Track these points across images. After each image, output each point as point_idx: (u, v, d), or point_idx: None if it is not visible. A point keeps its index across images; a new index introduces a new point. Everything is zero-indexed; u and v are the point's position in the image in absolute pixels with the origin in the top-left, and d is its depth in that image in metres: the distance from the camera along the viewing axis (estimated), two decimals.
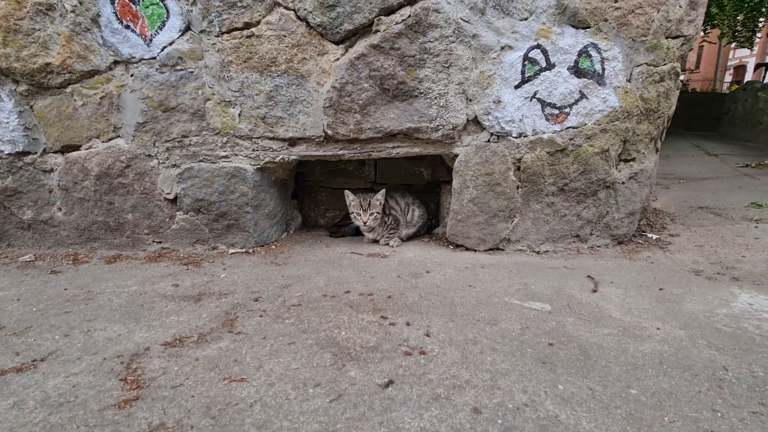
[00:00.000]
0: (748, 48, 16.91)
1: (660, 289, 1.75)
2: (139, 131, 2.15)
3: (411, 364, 1.21)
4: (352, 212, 2.36)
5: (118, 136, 2.17)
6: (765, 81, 10.01)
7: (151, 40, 2.02)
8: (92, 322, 1.49)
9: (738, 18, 14.25)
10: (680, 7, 1.89)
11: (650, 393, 1.09)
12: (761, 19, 14.68)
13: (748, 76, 18.51)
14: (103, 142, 2.18)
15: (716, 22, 13.50)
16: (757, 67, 13.30)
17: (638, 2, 1.86)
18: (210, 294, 1.74)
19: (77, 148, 2.20)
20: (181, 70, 2.06)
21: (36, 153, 2.21)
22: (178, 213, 2.25)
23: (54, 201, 2.27)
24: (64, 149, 2.20)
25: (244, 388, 1.10)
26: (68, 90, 2.09)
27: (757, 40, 16.40)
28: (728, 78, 21.71)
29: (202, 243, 2.30)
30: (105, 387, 1.12)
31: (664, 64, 1.98)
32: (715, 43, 16.78)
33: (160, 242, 2.31)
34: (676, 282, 1.83)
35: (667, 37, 1.94)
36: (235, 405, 1.04)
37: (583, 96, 1.99)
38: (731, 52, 22.01)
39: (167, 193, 2.23)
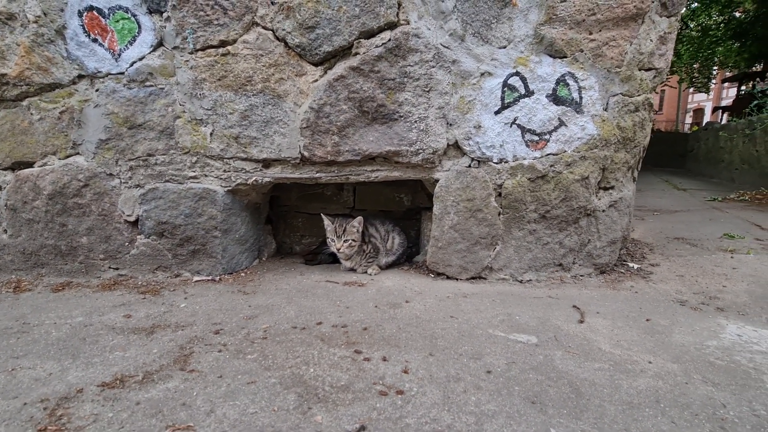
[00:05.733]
0: (705, 93, 18.29)
1: (647, 320, 1.68)
2: (101, 148, 2.01)
3: (387, 405, 1.07)
4: (329, 237, 2.25)
5: (78, 153, 2.02)
6: (723, 122, 10.72)
7: (119, 55, 1.93)
8: (20, 359, 1.29)
9: (694, 66, 15.50)
10: (651, 41, 1.96)
11: None
12: (714, 68, 16.00)
13: (707, 118, 19.85)
14: (60, 159, 2.02)
15: (675, 69, 14.60)
16: (715, 109, 14.30)
17: (612, 35, 1.92)
18: (165, 326, 1.56)
19: (30, 165, 2.03)
20: (151, 86, 1.96)
21: None
22: (138, 237, 2.09)
23: None
24: (15, 166, 2.03)
25: None
26: (24, 103, 1.96)
27: (713, 85, 17.80)
28: (689, 120, 23.24)
29: (164, 270, 2.12)
30: None
31: (639, 95, 2.02)
32: (675, 88, 18.11)
33: (117, 269, 2.12)
34: (662, 312, 1.77)
35: (640, 69, 1.99)
36: None
37: (562, 123, 1.99)
38: (690, 96, 23.73)
39: (128, 215, 2.06)
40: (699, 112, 23.74)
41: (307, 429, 0.97)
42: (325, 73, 1.97)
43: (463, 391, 1.14)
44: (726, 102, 18.00)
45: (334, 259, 2.48)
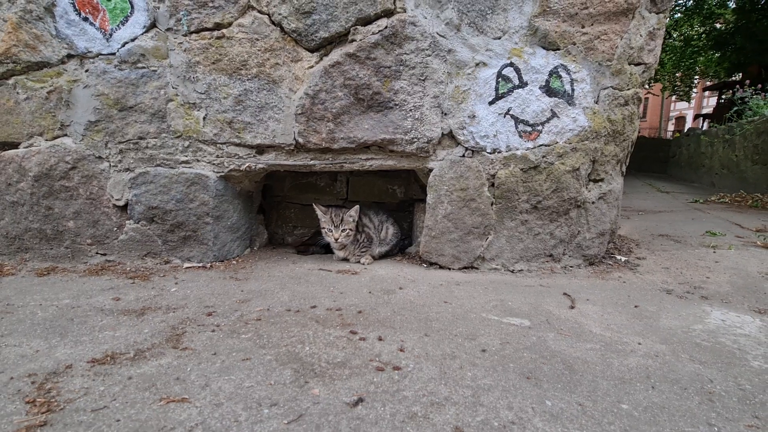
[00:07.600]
0: (687, 101, 18.84)
1: (635, 307, 1.72)
2: (90, 130, 1.97)
3: (384, 380, 1.07)
4: (323, 228, 2.23)
5: (65, 135, 1.98)
6: (704, 129, 11.06)
7: (111, 35, 1.89)
8: (5, 338, 1.25)
9: (677, 75, 15.96)
10: (641, 36, 2.01)
11: (642, 408, 1.00)
12: (696, 77, 16.50)
13: (688, 126, 20.43)
14: (47, 140, 1.97)
15: (658, 77, 15.03)
16: (696, 117, 14.75)
17: (603, 29, 1.96)
18: (156, 308, 1.53)
19: (15, 146, 1.97)
20: (143, 68, 1.93)
21: None
22: (127, 222, 2.04)
23: None
24: (0, 146, 1.97)
25: (185, 410, 0.92)
26: (11, 81, 1.91)
27: (694, 94, 18.34)
28: (671, 127, 23.88)
29: (154, 256, 2.09)
30: (5, 411, 0.90)
31: (628, 89, 2.07)
32: (658, 96, 18.61)
33: (105, 254, 2.07)
34: (649, 300, 1.81)
35: (630, 63, 2.04)
36: (171, 430, 0.86)
37: (554, 115, 2.03)
38: (672, 104, 24.41)
39: (117, 200, 2.02)
40: (681, 119, 24.43)
41: (304, 401, 0.97)
42: (321, 59, 1.97)
43: (459, 368, 1.15)
44: (706, 110, 18.57)
45: (326, 250, 2.47)
